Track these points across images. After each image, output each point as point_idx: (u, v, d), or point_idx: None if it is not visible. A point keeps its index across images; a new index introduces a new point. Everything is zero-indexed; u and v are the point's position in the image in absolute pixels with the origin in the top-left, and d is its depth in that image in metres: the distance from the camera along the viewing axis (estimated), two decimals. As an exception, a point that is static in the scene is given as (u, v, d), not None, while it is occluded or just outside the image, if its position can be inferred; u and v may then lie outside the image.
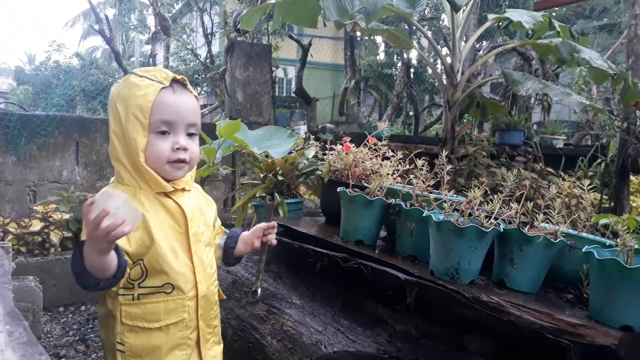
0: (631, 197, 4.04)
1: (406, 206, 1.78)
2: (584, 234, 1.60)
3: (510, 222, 1.55)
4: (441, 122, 6.01)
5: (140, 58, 16.00)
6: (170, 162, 1.18)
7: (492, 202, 1.54)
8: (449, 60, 3.84)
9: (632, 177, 4.09)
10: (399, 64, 10.42)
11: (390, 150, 2.17)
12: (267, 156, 2.65)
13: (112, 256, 1.04)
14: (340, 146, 2.29)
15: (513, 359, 1.39)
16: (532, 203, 1.61)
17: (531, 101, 6.46)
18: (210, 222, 1.33)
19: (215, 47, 9.83)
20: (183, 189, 1.24)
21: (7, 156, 3.82)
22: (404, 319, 1.61)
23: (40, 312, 2.86)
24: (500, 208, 1.54)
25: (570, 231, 1.58)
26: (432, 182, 1.83)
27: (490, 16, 3.86)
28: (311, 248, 1.92)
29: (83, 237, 1.05)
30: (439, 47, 4.76)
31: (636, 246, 1.32)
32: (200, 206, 1.29)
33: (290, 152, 2.68)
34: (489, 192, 1.68)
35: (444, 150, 1.95)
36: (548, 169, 4.23)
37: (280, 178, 2.63)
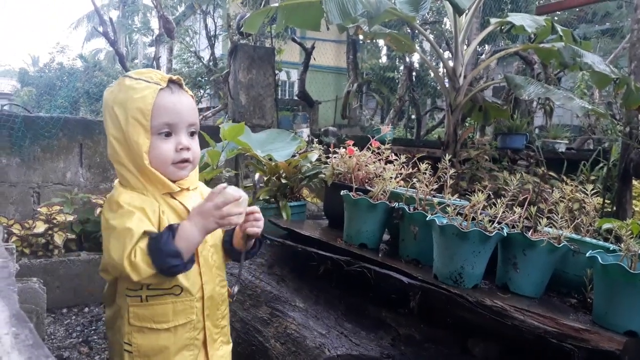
0: (633, 202, 4.03)
1: (409, 210, 1.78)
2: (588, 239, 1.60)
3: (513, 227, 1.55)
4: (443, 125, 6.02)
5: (143, 60, 16.04)
6: (174, 163, 1.19)
7: (495, 206, 1.54)
8: (451, 64, 3.84)
9: (634, 182, 4.09)
10: (402, 68, 10.43)
11: (393, 154, 2.18)
12: (270, 159, 2.65)
13: None
14: (344, 149, 2.30)
15: (516, 363, 1.39)
16: (535, 207, 1.61)
17: (533, 105, 6.46)
18: None
19: (219, 50, 9.87)
20: (188, 189, 1.25)
21: (11, 158, 3.84)
22: (407, 322, 1.62)
23: (44, 313, 2.86)
24: (504, 212, 1.55)
25: (574, 236, 1.59)
26: (435, 186, 1.84)
27: (493, 20, 3.87)
28: (314, 251, 1.92)
29: (140, 229, 1.09)
30: (441, 50, 4.77)
31: (640, 251, 1.33)
32: None
33: (293, 155, 2.69)
34: (491, 196, 1.68)
35: (446, 154, 1.96)
36: (550, 173, 4.22)
37: (283, 181, 2.64)
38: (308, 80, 7.16)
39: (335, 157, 2.32)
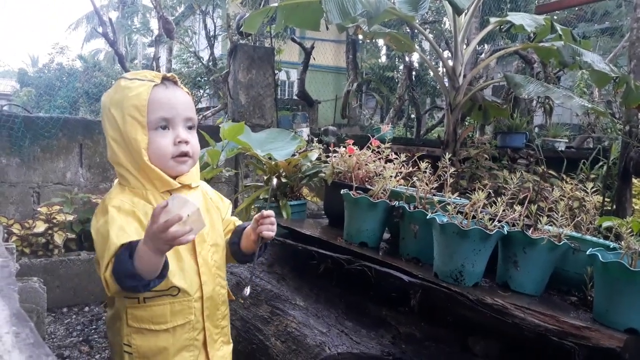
0: (633, 200, 4.03)
1: (410, 208, 1.79)
2: (588, 237, 1.60)
3: (513, 225, 1.55)
4: (443, 124, 6.02)
5: (143, 60, 16.03)
6: (174, 157, 1.19)
7: (495, 204, 1.55)
8: (450, 63, 3.84)
9: (634, 180, 4.09)
10: (401, 67, 10.43)
11: (393, 153, 2.18)
12: (270, 158, 2.65)
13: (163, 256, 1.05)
14: (344, 148, 2.30)
15: (517, 361, 1.39)
16: (535, 206, 1.61)
17: (533, 104, 6.46)
18: (217, 222, 1.33)
19: (218, 50, 9.87)
20: (189, 186, 1.24)
21: (11, 158, 3.84)
22: (407, 321, 1.62)
23: (44, 313, 2.86)
24: (504, 211, 1.55)
25: (574, 234, 1.59)
26: (435, 185, 1.84)
27: (492, 19, 3.87)
28: (315, 250, 1.92)
29: (119, 241, 1.05)
30: (440, 50, 4.77)
31: (640, 249, 1.33)
32: (206, 205, 1.29)
33: (293, 155, 2.69)
34: (492, 195, 1.69)
35: (446, 153, 1.96)
36: (550, 171, 4.22)
37: (283, 180, 2.64)
38: (308, 80, 7.16)
39: (335, 156, 2.32)
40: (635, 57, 3.83)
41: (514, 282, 1.54)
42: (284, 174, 2.65)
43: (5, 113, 4.08)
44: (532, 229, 1.55)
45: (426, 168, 1.87)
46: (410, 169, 2.04)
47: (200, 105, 9.23)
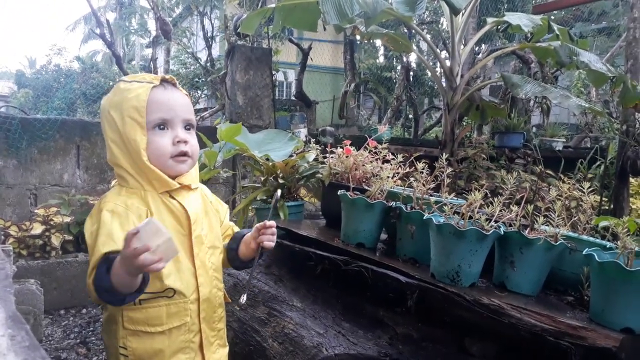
0: (631, 199, 4.04)
1: (407, 209, 1.79)
2: (584, 237, 1.60)
3: (510, 225, 1.55)
4: (441, 125, 6.03)
5: (140, 62, 16.03)
6: (173, 157, 1.19)
7: (493, 204, 1.55)
8: (448, 63, 3.84)
9: (631, 179, 4.10)
10: (399, 67, 10.43)
11: (390, 154, 2.18)
12: (267, 159, 2.65)
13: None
14: (341, 149, 2.30)
15: (514, 361, 1.39)
16: (532, 206, 1.61)
17: (530, 104, 6.46)
18: (215, 224, 1.33)
19: (216, 51, 9.86)
20: (189, 187, 1.24)
21: (8, 160, 3.83)
22: (404, 321, 1.62)
23: (42, 315, 2.86)
24: (501, 211, 1.55)
25: (571, 234, 1.59)
26: (432, 185, 1.84)
27: (489, 19, 3.88)
28: (312, 251, 1.92)
29: (104, 249, 1.04)
30: (438, 50, 4.78)
31: (637, 249, 1.33)
32: (205, 208, 1.30)
33: (290, 155, 2.69)
34: (489, 195, 1.69)
35: (443, 153, 1.96)
36: (547, 171, 4.22)
37: (280, 181, 2.64)
38: (305, 81, 7.16)
39: (332, 157, 2.32)
40: (632, 57, 3.83)
41: (511, 282, 1.54)
42: (281, 174, 2.65)
43: (2, 115, 4.08)
44: (528, 229, 1.55)
45: (423, 168, 1.87)
46: (408, 169, 2.04)
47: (198, 106, 9.22)
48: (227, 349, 1.34)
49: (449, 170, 1.80)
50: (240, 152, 2.77)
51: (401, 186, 2.01)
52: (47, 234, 3.48)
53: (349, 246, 1.90)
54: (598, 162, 4.41)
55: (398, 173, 2.04)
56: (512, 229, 1.52)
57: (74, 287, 3.48)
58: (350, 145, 2.32)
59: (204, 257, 1.24)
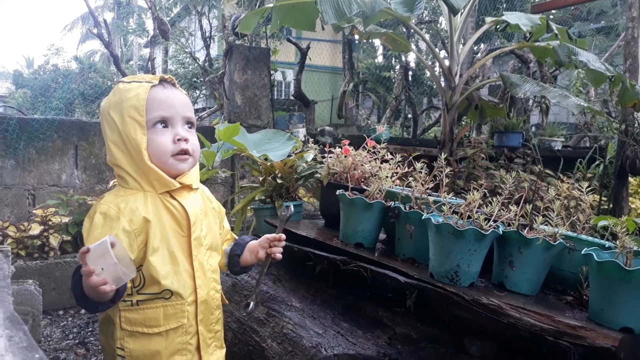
0: (630, 199, 4.05)
1: (405, 209, 1.78)
2: (583, 236, 1.60)
3: (509, 225, 1.55)
4: (439, 124, 6.03)
5: (138, 62, 16.00)
6: (174, 155, 1.19)
7: (491, 204, 1.54)
8: (447, 63, 3.84)
9: (630, 179, 4.10)
10: (397, 67, 10.43)
11: (389, 153, 2.18)
12: (266, 159, 2.65)
13: None
14: (339, 149, 2.30)
15: (513, 361, 1.39)
16: (531, 205, 1.61)
17: (529, 103, 6.46)
18: (214, 226, 1.32)
19: (214, 51, 9.84)
20: (190, 187, 1.24)
21: (6, 160, 3.82)
22: (403, 321, 1.62)
23: (40, 315, 2.85)
24: (500, 210, 1.55)
25: (570, 233, 1.59)
26: (431, 185, 1.84)
27: (488, 19, 3.87)
28: (311, 251, 1.92)
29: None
30: (437, 50, 4.78)
31: (635, 248, 1.33)
32: (204, 209, 1.29)
33: (289, 155, 2.69)
34: (487, 195, 1.68)
35: (442, 153, 1.96)
36: (547, 170, 4.23)
37: (279, 181, 2.63)
38: (304, 80, 7.15)
39: (331, 157, 2.32)
40: (630, 56, 3.84)
41: (510, 282, 1.54)
42: (279, 174, 2.64)
43: (0, 115, 4.07)
44: (527, 228, 1.55)
45: (422, 168, 1.87)
46: (406, 169, 2.04)
47: (196, 106, 9.22)
48: (224, 351, 1.34)
49: (448, 170, 1.80)
50: (239, 152, 2.76)
51: (400, 186, 2.01)
52: (45, 234, 3.47)
53: (348, 246, 1.90)
54: (597, 162, 4.42)
55: (397, 173, 2.04)
56: (511, 229, 1.52)
57: (72, 287, 3.47)
58: (349, 145, 2.32)
59: (203, 259, 1.24)
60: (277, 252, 1.31)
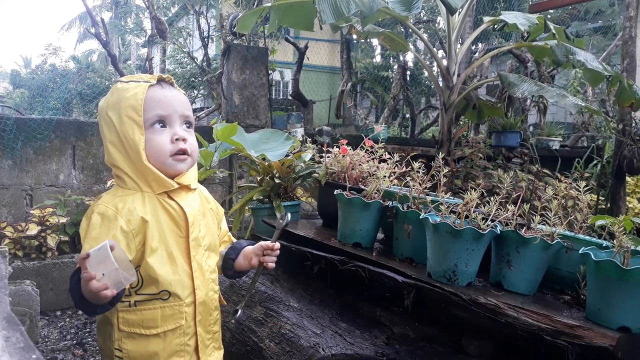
0: (627, 198, 4.05)
1: (403, 208, 1.78)
2: (581, 236, 1.60)
3: (507, 224, 1.55)
4: (437, 124, 6.03)
5: (136, 61, 15.99)
6: (172, 155, 1.18)
7: (489, 204, 1.55)
8: (445, 62, 3.85)
9: (628, 178, 4.11)
10: (395, 67, 10.43)
11: (387, 153, 2.18)
12: (264, 159, 2.65)
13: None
14: (337, 149, 2.30)
15: (511, 360, 1.39)
16: (528, 205, 1.61)
17: (527, 103, 6.47)
18: (213, 226, 1.32)
19: (212, 50, 9.84)
20: (188, 188, 1.23)
21: (3, 160, 3.81)
22: (401, 321, 1.62)
23: (38, 316, 2.85)
24: (497, 210, 1.55)
25: (567, 233, 1.59)
26: (429, 185, 1.84)
27: (486, 19, 3.88)
28: (309, 251, 1.92)
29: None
30: (435, 49, 4.78)
31: (633, 247, 1.33)
32: (202, 209, 1.28)
33: (287, 155, 2.69)
34: (485, 194, 1.69)
35: (440, 153, 1.96)
36: (544, 170, 4.23)
37: (277, 181, 2.63)
38: (302, 80, 7.15)
39: (329, 157, 2.32)
40: (628, 56, 3.85)
41: (508, 281, 1.54)
42: (277, 174, 2.64)
43: (-3, 115, 4.06)
44: (525, 228, 1.55)
45: (420, 168, 1.87)
46: (404, 169, 2.04)
47: (194, 106, 9.21)
48: (222, 352, 1.34)
49: (446, 169, 1.80)
50: (237, 152, 2.76)
51: (398, 186, 2.01)
52: (43, 234, 3.46)
53: (346, 246, 1.90)
54: (595, 161, 4.42)
55: (395, 172, 2.04)
56: (509, 228, 1.52)
57: (70, 287, 3.46)
58: (347, 144, 2.32)
59: (201, 260, 1.23)
60: (270, 262, 1.29)
